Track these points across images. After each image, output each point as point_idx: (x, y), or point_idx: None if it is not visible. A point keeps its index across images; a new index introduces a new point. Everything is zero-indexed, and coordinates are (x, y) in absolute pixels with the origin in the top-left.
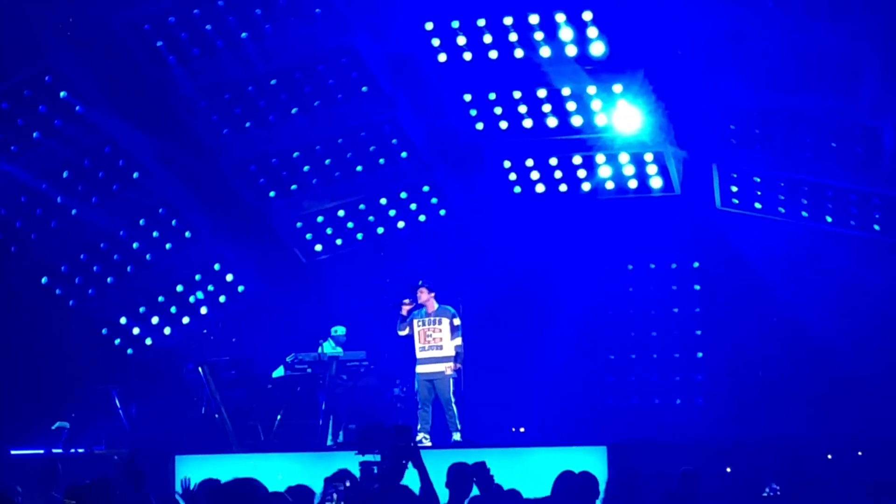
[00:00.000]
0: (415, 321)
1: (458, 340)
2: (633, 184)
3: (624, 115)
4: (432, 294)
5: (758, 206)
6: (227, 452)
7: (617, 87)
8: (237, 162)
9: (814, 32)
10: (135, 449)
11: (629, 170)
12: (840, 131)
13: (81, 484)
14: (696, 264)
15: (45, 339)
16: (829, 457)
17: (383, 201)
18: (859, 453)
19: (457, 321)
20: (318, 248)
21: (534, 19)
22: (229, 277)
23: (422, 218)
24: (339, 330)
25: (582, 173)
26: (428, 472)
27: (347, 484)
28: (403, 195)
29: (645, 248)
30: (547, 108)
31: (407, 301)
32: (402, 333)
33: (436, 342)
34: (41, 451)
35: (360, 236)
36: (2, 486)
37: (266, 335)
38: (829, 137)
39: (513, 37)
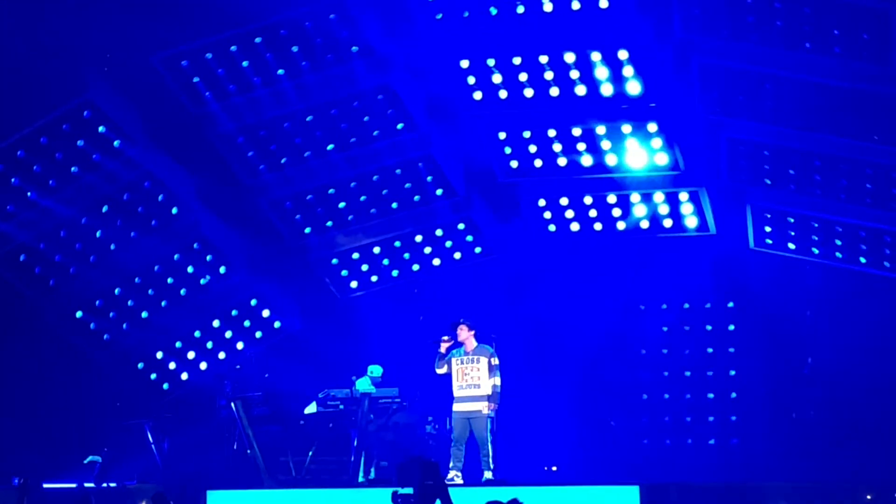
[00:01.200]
0: (453, 359)
1: (497, 380)
2: (668, 223)
3: (655, 154)
4: (472, 332)
5: (791, 246)
6: (258, 488)
7: (652, 127)
8: (273, 198)
9: (851, 73)
10: (163, 487)
11: (664, 209)
12: (875, 173)
13: None
14: (730, 304)
15: (80, 373)
16: (869, 497)
17: (419, 238)
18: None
19: (495, 360)
20: (354, 284)
21: (569, 58)
22: (266, 313)
23: (457, 255)
24: (377, 371)
25: (617, 212)
26: None
27: None
28: (439, 232)
29: (679, 287)
30: (582, 146)
31: (446, 338)
32: (440, 371)
33: (474, 381)
34: (73, 485)
35: (395, 273)
36: None
37: (299, 371)
38: (864, 179)
39: (548, 75)
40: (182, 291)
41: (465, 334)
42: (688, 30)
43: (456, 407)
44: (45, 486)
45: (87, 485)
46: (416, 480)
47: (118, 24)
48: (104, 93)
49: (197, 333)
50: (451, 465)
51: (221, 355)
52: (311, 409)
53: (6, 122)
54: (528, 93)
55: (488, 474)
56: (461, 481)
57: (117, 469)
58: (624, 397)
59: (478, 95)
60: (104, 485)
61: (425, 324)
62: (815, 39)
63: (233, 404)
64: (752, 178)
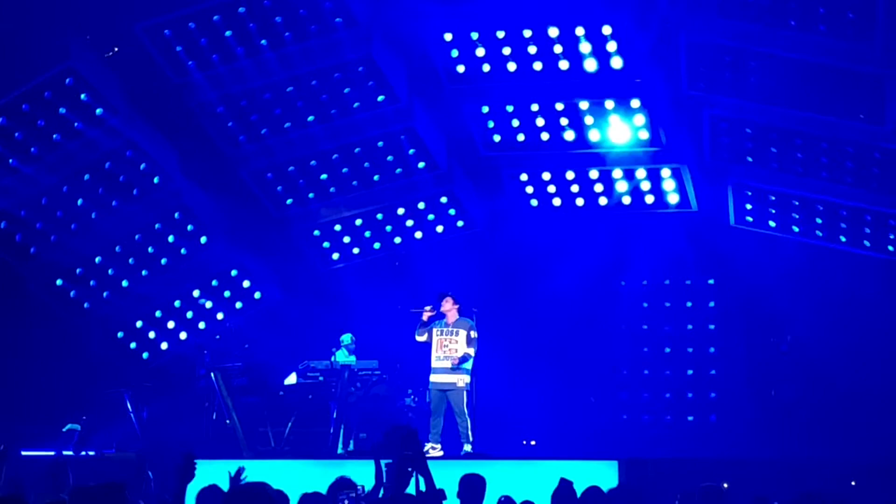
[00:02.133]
0: (434, 329)
1: (471, 350)
2: (649, 199)
3: (637, 130)
4: (456, 306)
5: (772, 224)
6: (237, 458)
7: (635, 102)
8: (254, 169)
9: (836, 52)
10: (142, 455)
11: (646, 185)
12: (858, 152)
13: (89, 486)
14: (710, 281)
15: (60, 341)
16: (853, 483)
17: (401, 211)
18: (852, 483)
19: (474, 333)
20: (335, 256)
21: (553, 32)
22: (246, 284)
23: (439, 228)
24: (346, 338)
25: (599, 187)
26: (433, 479)
27: (358, 491)
28: (421, 205)
29: (660, 263)
30: (564, 121)
31: (429, 308)
32: (419, 339)
33: (451, 353)
34: (52, 453)
35: (377, 246)
36: (16, 486)
37: (280, 342)
38: (846, 158)
39: (532, 49)
40: (163, 261)
41: (448, 306)
42: (673, 5)
43: (432, 378)
44: (24, 453)
45: (65, 453)
46: (396, 450)
47: None
48: (86, 60)
49: (177, 303)
50: (429, 436)
51: (201, 325)
52: (291, 380)
53: None
54: (512, 67)
55: (467, 447)
56: (439, 453)
57: (96, 437)
58: (603, 373)
59: (461, 69)
60: (83, 453)
61: (406, 296)
62: (800, 17)
63: (212, 374)
64: (733, 156)
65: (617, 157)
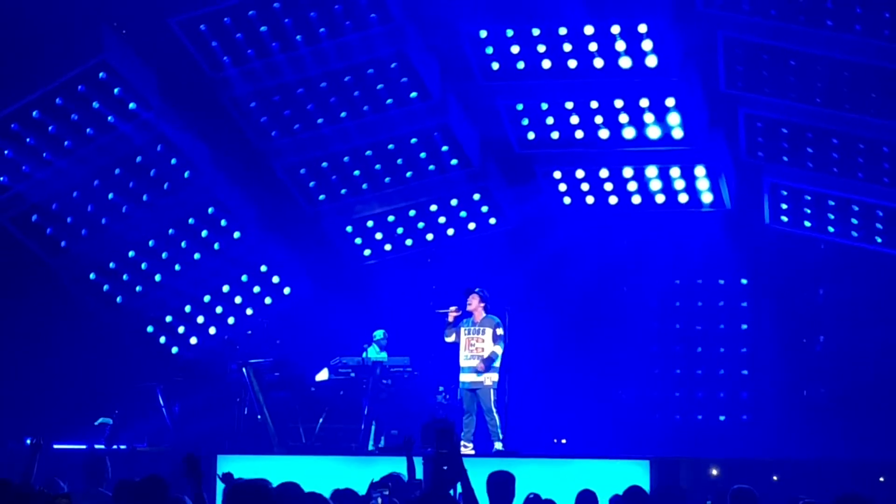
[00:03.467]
0: (462, 329)
1: (498, 349)
2: (683, 198)
3: (672, 129)
4: (482, 304)
5: (807, 224)
6: (268, 454)
7: (670, 101)
8: (287, 164)
9: (873, 52)
10: (174, 450)
11: (679, 184)
12: (893, 152)
13: (132, 481)
14: (743, 281)
15: (92, 335)
16: (882, 479)
17: (433, 208)
18: (881, 479)
19: (500, 331)
20: (367, 252)
21: (588, 30)
22: (276, 279)
23: (471, 226)
24: (378, 333)
25: (632, 186)
26: (469, 478)
27: (389, 487)
28: (454, 202)
29: (693, 262)
30: (599, 119)
31: (454, 308)
32: (448, 340)
33: (478, 352)
34: (84, 446)
35: (409, 242)
36: (44, 480)
37: (311, 338)
38: (882, 158)
39: (567, 47)
40: (196, 255)
41: (475, 304)
42: (709, 4)
43: (462, 377)
44: (56, 446)
45: (97, 446)
46: (432, 446)
47: None
48: (120, 54)
49: (207, 298)
50: (462, 434)
51: (231, 320)
52: (323, 376)
53: (22, 83)
54: (547, 64)
55: (498, 445)
56: (472, 451)
57: (128, 431)
58: (635, 372)
59: (495, 66)
60: (114, 447)
61: (438, 293)
62: (836, 17)
63: (244, 370)
64: (769, 155)
65: (651, 156)
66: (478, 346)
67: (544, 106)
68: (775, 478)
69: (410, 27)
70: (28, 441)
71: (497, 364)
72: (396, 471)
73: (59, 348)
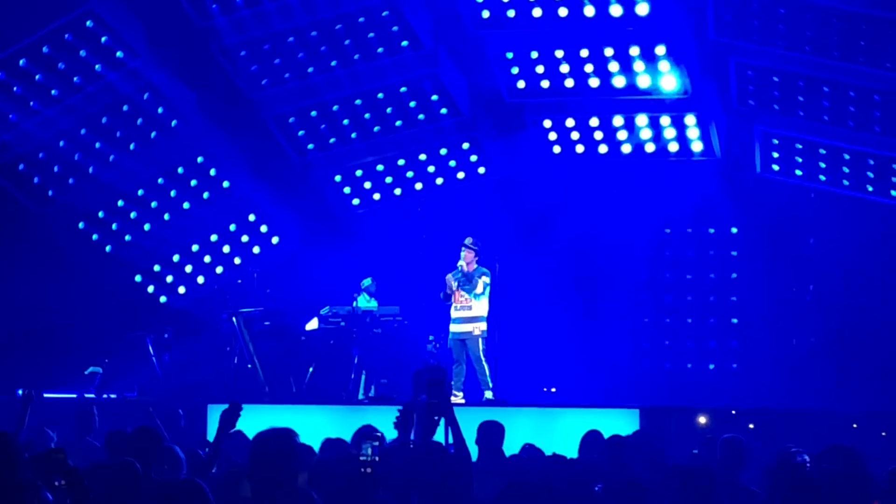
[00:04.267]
0: (452, 281)
1: (483, 295)
2: (673, 147)
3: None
4: (476, 257)
5: (798, 172)
6: (258, 403)
7: (660, 49)
8: (277, 113)
9: (864, 1)
10: (163, 400)
11: (670, 132)
12: (884, 101)
13: (124, 432)
14: (734, 230)
15: (81, 284)
16: (855, 426)
17: (422, 157)
18: (883, 433)
19: (486, 279)
20: (356, 201)
21: None
22: (264, 228)
23: (461, 175)
24: (367, 281)
25: (622, 135)
26: (462, 435)
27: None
28: (443, 151)
29: (683, 212)
30: (589, 67)
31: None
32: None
33: (467, 302)
34: (74, 395)
35: (398, 191)
36: (34, 429)
37: (301, 287)
38: (873, 106)
39: None
40: (185, 205)
41: (471, 258)
42: None
43: (451, 328)
44: (46, 395)
45: (87, 395)
46: (423, 395)
47: None
48: (108, 3)
49: (195, 247)
50: (452, 383)
51: (219, 270)
52: (313, 325)
53: (8, 31)
54: (537, 12)
55: (488, 394)
56: (462, 400)
57: (117, 381)
58: (624, 321)
59: (485, 14)
60: (104, 396)
61: (427, 242)
62: None
63: (233, 319)
64: (760, 104)
65: (641, 104)
66: (466, 297)
67: (534, 55)
68: (751, 426)
69: None
70: (19, 392)
71: (485, 313)
72: (385, 420)
73: (48, 298)
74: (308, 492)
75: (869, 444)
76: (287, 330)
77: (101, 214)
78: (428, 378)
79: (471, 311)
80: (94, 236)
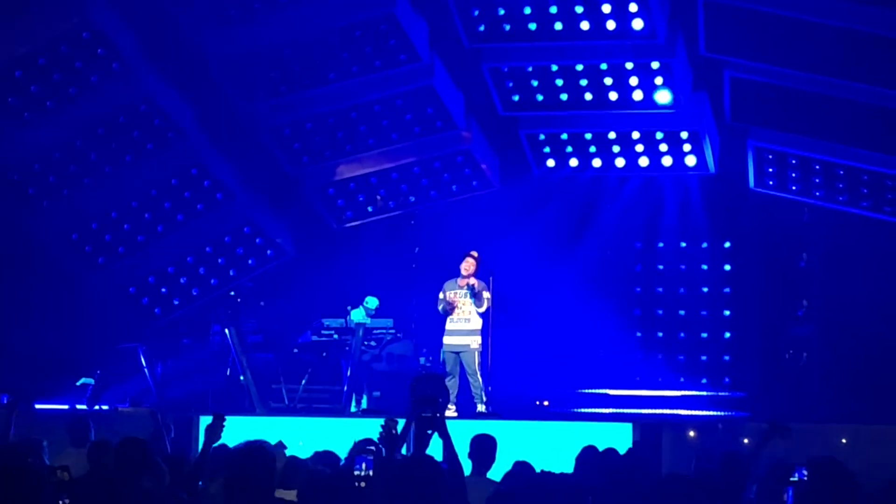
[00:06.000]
0: (449, 292)
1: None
2: (667, 161)
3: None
4: (475, 269)
5: (792, 188)
6: (250, 415)
7: (655, 64)
8: (272, 125)
9: (861, 17)
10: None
11: (664, 147)
12: (880, 117)
13: (110, 442)
14: (727, 244)
15: (74, 296)
16: (844, 441)
17: (416, 170)
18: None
19: (488, 293)
20: (349, 214)
21: None
22: (258, 241)
23: (454, 188)
24: (372, 303)
25: (616, 148)
26: (454, 449)
27: (372, 449)
28: (437, 164)
29: (676, 226)
30: (584, 82)
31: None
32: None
33: (464, 314)
34: (66, 407)
35: (391, 204)
36: (25, 442)
37: (294, 300)
38: (868, 122)
39: (553, 9)
40: (178, 217)
41: (473, 269)
42: None
43: (446, 340)
44: (38, 406)
45: (79, 407)
46: (417, 408)
47: None
48: (104, 14)
49: (189, 259)
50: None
51: (212, 282)
52: (305, 337)
53: (4, 42)
54: (532, 27)
55: (481, 407)
56: (455, 413)
57: (110, 392)
58: (617, 334)
59: (481, 28)
60: (96, 407)
61: (420, 256)
62: None
63: (226, 331)
64: (754, 119)
65: (635, 119)
66: (465, 310)
67: (529, 68)
68: (746, 440)
69: None
70: (4, 399)
71: (481, 327)
72: (376, 434)
73: (40, 309)
74: None
75: (859, 457)
76: (280, 342)
77: (93, 226)
78: (421, 394)
79: (469, 323)
80: (87, 248)
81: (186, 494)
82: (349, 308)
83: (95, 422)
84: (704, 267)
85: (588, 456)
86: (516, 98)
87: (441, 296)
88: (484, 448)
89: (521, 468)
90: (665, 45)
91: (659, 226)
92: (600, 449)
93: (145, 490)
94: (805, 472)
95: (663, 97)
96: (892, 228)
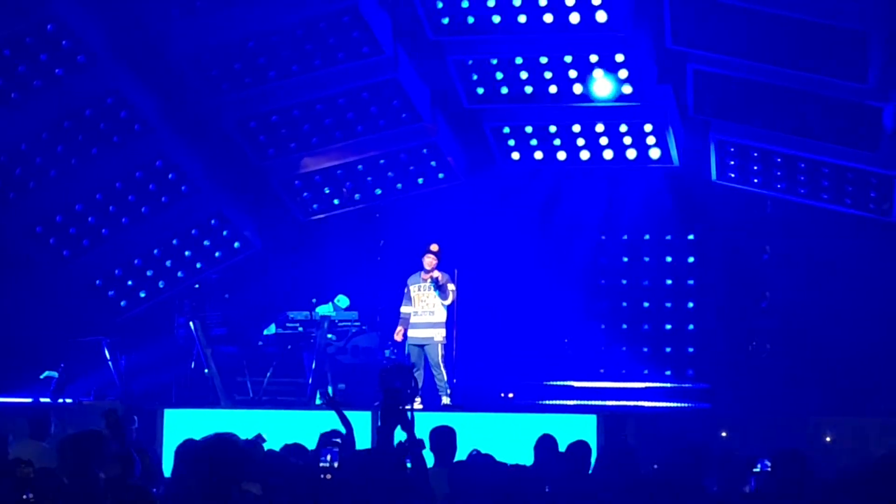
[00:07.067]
0: (411, 287)
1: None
2: (631, 154)
3: (621, 85)
4: (437, 262)
5: (754, 180)
6: (215, 407)
7: (619, 57)
8: (237, 118)
9: (821, 8)
10: (120, 404)
11: (628, 139)
12: (841, 110)
13: (69, 435)
14: (690, 236)
15: (38, 289)
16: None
17: (382, 162)
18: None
19: (452, 286)
20: (315, 206)
21: None
22: (224, 233)
23: (420, 180)
24: (343, 301)
25: (581, 141)
26: (416, 433)
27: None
28: (403, 157)
29: (640, 218)
30: (548, 74)
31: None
32: (405, 310)
33: (429, 307)
34: (29, 400)
35: (357, 196)
36: None
37: (259, 293)
38: (830, 115)
39: (516, 1)
40: (143, 209)
41: (434, 263)
42: None
43: (410, 333)
44: (0, 399)
45: (42, 400)
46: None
47: None
48: (69, 7)
49: (156, 251)
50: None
51: (179, 274)
52: (271, 330)
53: None
54: (496, 19)
55: (446, 399)
56: (420, 406)
57: (74, 386)
58: (582, 327)
59: (445, 20)
60: (60, 400)
61: (386, 248)
62: None
63: (191, 324)
64: (717, 111)
65: (600, 112)
66: (428, 302)
67: (494, 61)
68: (724, 433)
69: None
70: None
71: (445, 319)
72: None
73: (4, 302)
74: (257, 498)
75: (820, 448)
76: (245, 335)
77: (58, 219)
78: (386, 385)
79: (433, 316)
80: (51, 240)
81: (154, 486)
82: (314, 301)
83: (59, 415)
84: (668, 259)
85: (546, 444)
86: (481, 91)
87: (405, 290)
88: (444, 439)
89: (478, 457)
90: (629, 37)
91: (623, 218)
92: (560, 440)
93: (104, 481)
94: (768, 464)
95: (602, 88)
96: (852, 220)
